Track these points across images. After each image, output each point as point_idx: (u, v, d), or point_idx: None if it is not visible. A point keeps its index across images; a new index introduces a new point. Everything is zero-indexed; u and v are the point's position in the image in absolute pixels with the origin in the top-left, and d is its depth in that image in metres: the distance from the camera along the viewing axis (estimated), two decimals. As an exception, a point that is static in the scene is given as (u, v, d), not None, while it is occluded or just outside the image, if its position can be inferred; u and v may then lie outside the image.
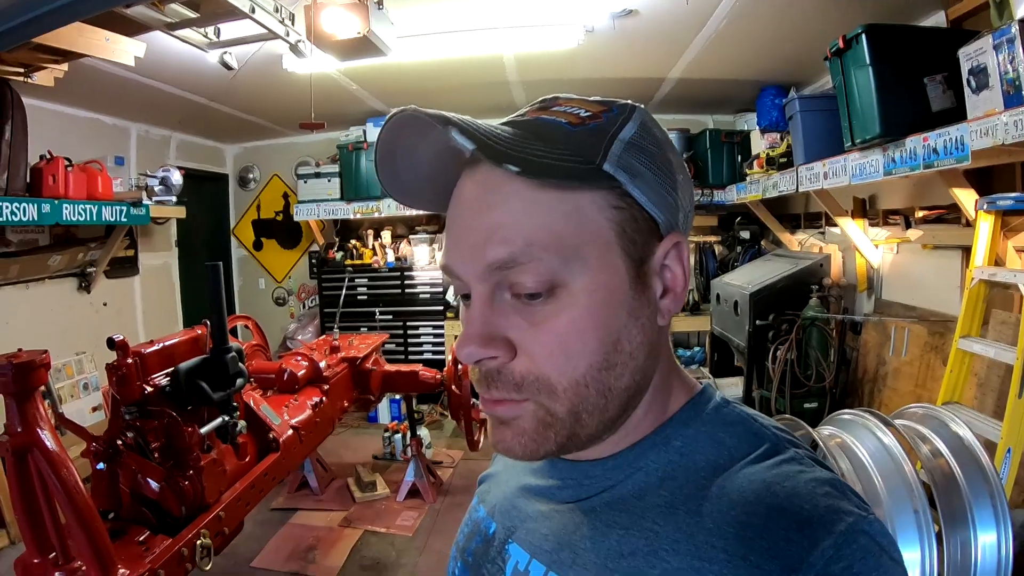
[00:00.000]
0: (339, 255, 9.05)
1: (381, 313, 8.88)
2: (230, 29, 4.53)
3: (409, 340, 8.86)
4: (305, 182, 8.87)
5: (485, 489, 1.21)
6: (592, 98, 0.94)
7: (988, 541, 2.83)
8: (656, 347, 0.93)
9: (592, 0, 4.77)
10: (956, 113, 3.72)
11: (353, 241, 9.15)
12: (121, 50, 4.45)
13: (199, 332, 4.11)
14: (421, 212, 8.20)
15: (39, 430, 3.00)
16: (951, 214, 4.81)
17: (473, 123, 0.81)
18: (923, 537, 2.77)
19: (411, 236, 9.03)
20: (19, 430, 2.99)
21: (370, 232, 9.16)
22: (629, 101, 0.94)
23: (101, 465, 3.56)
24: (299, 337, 9.09)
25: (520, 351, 0.85)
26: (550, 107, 0.93)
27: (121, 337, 3.50)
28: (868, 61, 4.11)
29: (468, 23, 5.20)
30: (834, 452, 3.14)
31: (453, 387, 5.90)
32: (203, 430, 3.79)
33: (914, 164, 3.92)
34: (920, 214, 5.17)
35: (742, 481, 0.84)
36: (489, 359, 0.85)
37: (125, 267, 7.71)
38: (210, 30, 4.50)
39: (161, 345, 3.84)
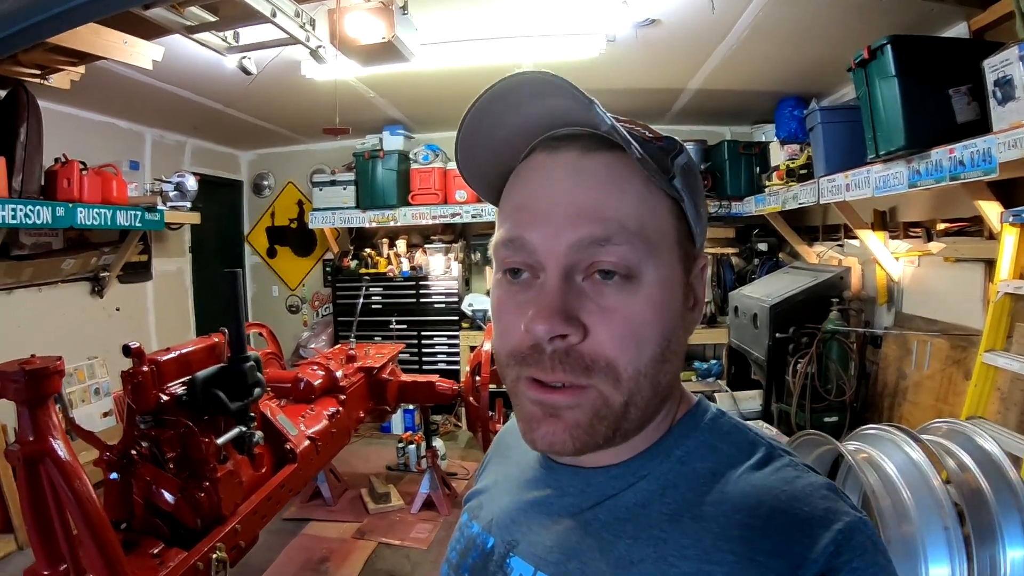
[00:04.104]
0: (354, 263, 8.98)
1: (396, 322, 8.80)
2: (249, 34, 4.51)
3: (423, 350, 8.78)
4: (320, 190, 8.81)
5: (476, 505, 1.21)
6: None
7: (1017, 557, 2.81)
8: (684, 355, 1.01)
9: (615, 9, 4.69)
10: (980, 125, 3.71)
11: (368, 250, 9.06)
12: (139, 53, 4.43)
13: (216, 340, 4.04)
14: (436, 222, 8.22)
15: (52, 439, 2.93)
16: (973, 227, 4.76)
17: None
18: (953, 554, 2.77)
19: (426, 245, 8.99)
20: (31, 439, 2.92)
21: (385, 241, 9.08)
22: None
23: (114, 475, 3.48)
24: (312, 345, 9.06)
25: (591, 333, 0.87)
26: (617, 120, 0.92)
27: (137, 344, 3.43)
28: (894, 72, 4.05)
29: (489, 31, 5.16)
30: (862, 467, 3.10)
31: (471, 398, 5.83)
32: (220, 441, 3.73)
33: (940, 176, 3.86)
34: (941, 226, 5.11)
35: (744, 486, 0.89)
36: (560, 337, 0.87)
37: (138, 272, 7.69)
38: (229, 34, 4.47)
39: (177, 353, 3.76)
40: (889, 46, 4.05)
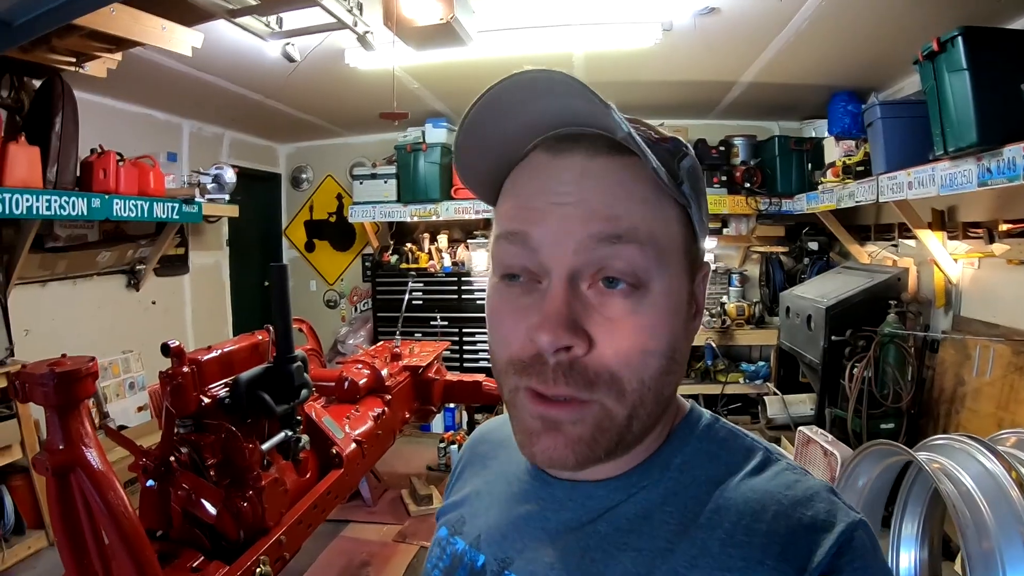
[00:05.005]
0: (394, 258, 8.88)
1: (438, 319, 8.67)
2: (292, 19, 4.44)
3: (465, 348, 8.64)
4: (360, 183, 8.71)
5: (456, 519, 1.16)
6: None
7: (1096, 571, 2.78)
8: (686, 365, 1.00)
9: None
10: None
11: (409, 244, 8.97)
12: (178, 39, 4.36)
13: (259, 338, 3.89)
14: (480, 216, 8.20)
15: (84, 448, 2.77)
16: None
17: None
18: None
19: (468, 241, 8.83)
20: (61, 447, 2.75)
21: (426, 236, 8.96)
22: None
23: (151, 482, 3.32)
24: (350, 341, 9.00)
25: (596, 345, 0.84)
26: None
27: (176, 343, 3.27)
28: (965, 65, 3.94)
29: (542, 19, 5.05)
30: (938, 477, 3.04)
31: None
32: (264, 446, 3.58)
33: (1013, 175, 3.73)
34: (1004, 227, 4.94)
35: (746, 492, 0.90)
36: (565, 349, 0.83)
37: (175, 265, 7.64)
38: (272, 19, 4.37)
39: (219, 352, 3.60)
40: (960, 38, 3.93)
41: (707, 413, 1.05)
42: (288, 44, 4.74)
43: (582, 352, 0.84)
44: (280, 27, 4.45)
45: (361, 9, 4.13)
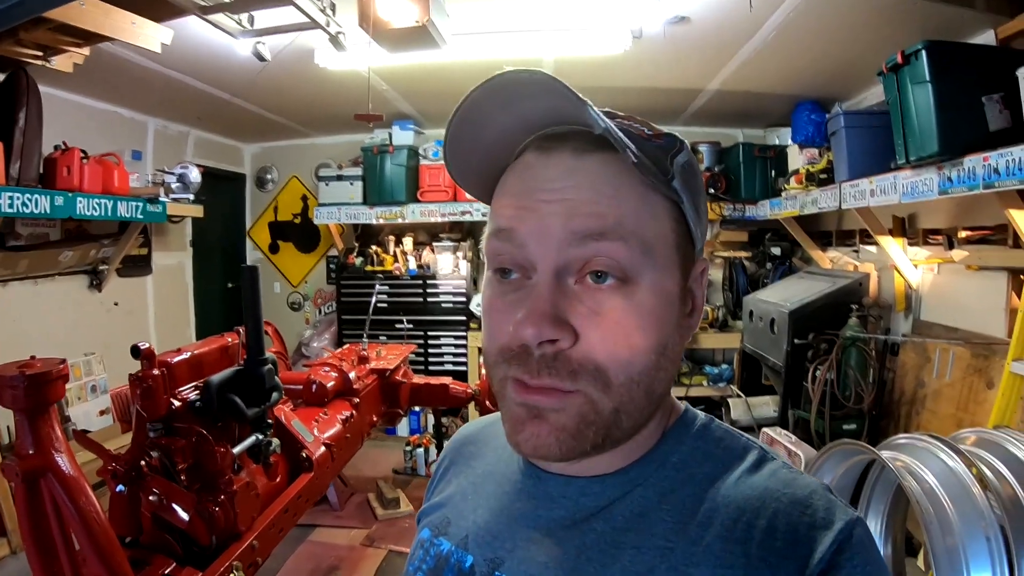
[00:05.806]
0: (359, 261, 8.79)
1: (403, 322, 8.61)
2: (264, 17, 4.43)
3: (430, 350, 8.59)
4: (326, 185, 8.64)
5: (439, 520, 1.14)
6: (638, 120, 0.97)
7: (1059, 565, 2.76)
8: (680, 362, 1.07)
9: (645, 4, 4.62)
10: (1012, 133, 3.77)
11: (374, 247, 8.89)
12: (147, 35, 4.33)
13: (229, 340, 3.86)
14: (446, 219, 8.19)
15: (54, 452, 2.72)
16: (996, 235, 4.74)
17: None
18: (995, 565, 2.79)
19: (434, 244, 8.77)
20: (30, 452, 2.70)
21: (391, 238, 8.90)
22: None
23: (121, 488, 3.26)
24: (315, 344, 8.94)
25: (581, 338, 0.85)
26: (614, 117, 0.92)
27: (148, 345, 3.22)
28: (928, 77, 4.04)
29: (512, 24, 5.06)
30: (901, 475, 3.11)
31: (488, 402, 5.69)
32: (236, 450, 3.54)
33: (973, 184, 3.83)
34: (963, 234, 5.07)
35: (744, 489, 0.90)
36: (549, 342, 0.84)
37: (138, 266, 7.53)
38: (244, 17, 4.36)
39: (189, 354, 3.57)
40: (924, 51, 4.03)
41: (702, 414, 1.06)
42: (259, 43, 4.70)
43: (567, 345, 0.84)
44: (252, 25, 4.43)
45: (334, 9, 4.13)
